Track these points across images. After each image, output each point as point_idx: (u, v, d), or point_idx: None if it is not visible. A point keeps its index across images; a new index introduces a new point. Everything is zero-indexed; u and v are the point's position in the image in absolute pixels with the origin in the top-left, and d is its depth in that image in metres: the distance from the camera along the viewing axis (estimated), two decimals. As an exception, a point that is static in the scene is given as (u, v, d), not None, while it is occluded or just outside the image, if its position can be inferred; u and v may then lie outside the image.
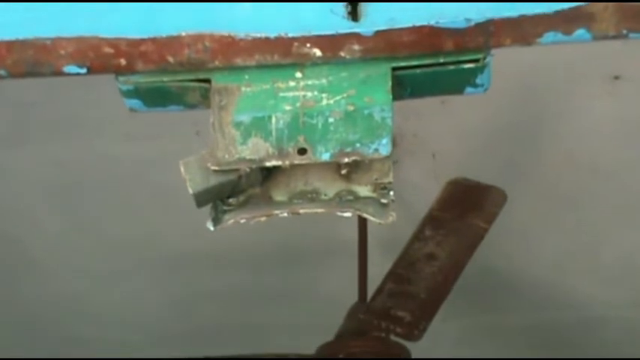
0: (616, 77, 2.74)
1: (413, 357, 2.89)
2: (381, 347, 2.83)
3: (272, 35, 1.38)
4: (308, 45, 1.39)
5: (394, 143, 2.91)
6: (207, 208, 1.54)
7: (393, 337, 2.84)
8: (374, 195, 1.47)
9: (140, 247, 3.44)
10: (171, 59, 1.40)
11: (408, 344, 2.87)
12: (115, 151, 3.00)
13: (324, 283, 3.57)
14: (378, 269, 2.76)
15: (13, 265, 3.55)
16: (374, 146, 1.40)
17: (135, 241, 3.41)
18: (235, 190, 1.48)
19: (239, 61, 1.41)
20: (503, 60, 2.50)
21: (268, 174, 1.49)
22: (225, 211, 1.50)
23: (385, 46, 1.39)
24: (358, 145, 1.40)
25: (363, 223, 3.01)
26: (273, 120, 1.42)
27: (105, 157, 3.03)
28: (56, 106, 2.83)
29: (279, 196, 1.50)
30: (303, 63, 1.42)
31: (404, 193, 3.10)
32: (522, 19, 1.35)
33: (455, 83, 1.49)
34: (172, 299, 3.73)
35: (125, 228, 3.35)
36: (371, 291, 2.81)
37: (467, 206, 2.53)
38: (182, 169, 1.47)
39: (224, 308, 3.75)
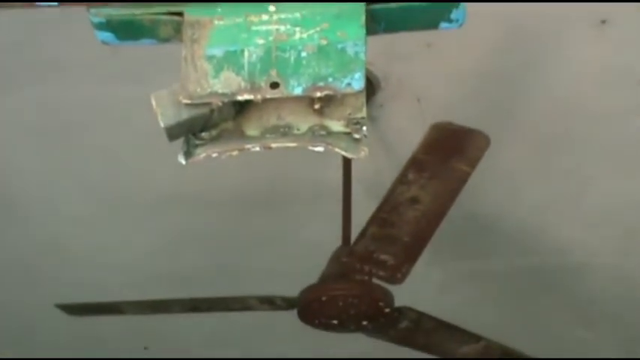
0: (603, 21, 2.73)
1: (396, 301, 2.91)
2: (364, 290, 2.85)
3: (244, -33, 1.37)
4: (281, -23, 1.38)
5: (379, 87, 2.92)
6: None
7: (375, 281, 2.85)
8: (347, 130, 1.47)
9: (125, 189, 3.45)
10: (143, -9, 1.39)
11: (390, 288, 2.89)
12: (99, 92, 2.98)
13: (308, 226, 3.59)
14: (363, 214, 2.76)
15: (-1, 209, 3.56)
16: (347, 81, 1.40)
17: (120, 183, 3.41)
18: (207, 124, 1.48)
19: (211, -7, 1.40)
20: (490, 5, 2.51)
21: (241, 108, 1.49)
22: (197, 145, 1.50)
23: (359, -21, 1.38)
24: (331, 79, 1.41)
25: (347, 166, 3.01)
26: (246, 54, 1.42)
27: (89, 99, 3.01)
28: (39, 47, 2.81)
29: (251, 130, 1.50)
30: (276, -4, 1.42)
31: (388, 138, 3.09)
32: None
33: (429, 18, 1.47)
34: (158, 242, 3.74)
35: (110, 171, 3.35)
36: (354, 235, 2.81)
37: (450, 150, 2.52)
38: (153, 102, 1.47)
39: (209, 251, 3.77)
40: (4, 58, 2.84)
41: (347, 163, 3.01)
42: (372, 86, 2.90)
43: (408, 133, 2.93)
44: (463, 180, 2.55)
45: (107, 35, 1.48)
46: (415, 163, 2.54)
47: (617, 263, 3.83)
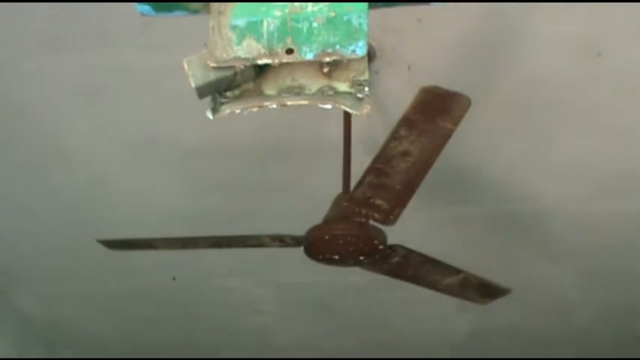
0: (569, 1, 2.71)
1: (388, 239, 2.92)
2: (361, 230, 2.86)
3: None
4: (296, -42, 1.37)
5: (375, 56, 2.90)
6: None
7: (371, 222, 2.86)
8: (351, 90, 1.47)
9: (157, 142, 3.44)
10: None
11: (384, 228, 2.89)
12: (135, 59, 2.97)
13: (313, 176, 3.58)
14: (360, 165, 2.76)
15: (50, 156, 3.55)
16: (352, 48, 1.40)
17: (153, 137, 3.41)
18: (231, 84, 1.48)
19: (236, -28, 1.39)
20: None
21: (260, 71, 1.49)
22: (222, 103, 1.50)
23: (363, -41, 1.37)
24: (338, 46, 1.40)
25: (347, 124, 3.00)
26: (265, 24, 1.41)
27: (127, 64, 3.00)
28: (86, 19, 2.79)
29: (269, 90, 1.50)
30: (292, -26, 1.41)
31: (383, 100, 3.08)
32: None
33: (423, -4, 1.47)
34: (185, 187, 3.74)
35: (145, 126, 3.34)
36: (353, 183, 2.81)
37: (437, 110, 2.50)
38: (185, 65, 1.47)
39: (228, 196, 3.77)
40: (57, 28, 2.83)
41: (347, 121, 3.00)
42: (369, 55, 2.88)
43: (399, 95, 2.92)
44: (447, 136, 2.54)
45: (145, 8, 1.47)
46: (406, 122, 2.52)
47: (577, 208, 3.84)
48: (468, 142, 3.30)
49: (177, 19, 2.50)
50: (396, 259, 3.05)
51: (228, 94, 1.49)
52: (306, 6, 1.41)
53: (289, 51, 1.41)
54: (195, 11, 1.49)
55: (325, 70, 1.46)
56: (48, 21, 2.80)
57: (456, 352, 5.45)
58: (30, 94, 3.16)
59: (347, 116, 2.98)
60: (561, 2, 2.68)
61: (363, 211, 2.82)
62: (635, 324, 4.98)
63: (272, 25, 1.41)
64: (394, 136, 2.57)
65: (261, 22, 1.41)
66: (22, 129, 3.36)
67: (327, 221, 2.93)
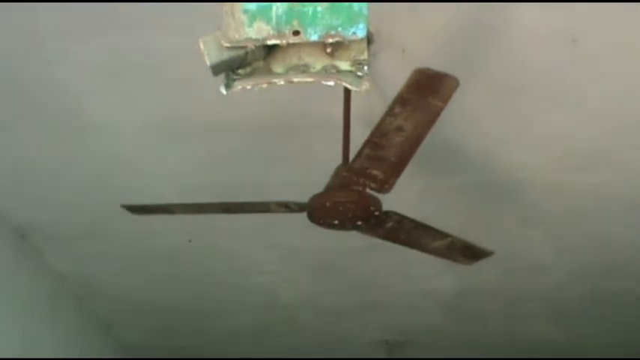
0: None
1: (383, 206, 2.92)
2: (359, 198, 2.86)
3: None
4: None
5: (372, 40, 2.88)
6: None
7: (368, 191, 2.86)
8: (352, 69, 1.47)
9: (174, 118, 3.43)
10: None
11: (380, 196, 2.89)
12: (155, 41, 2.94)
13: (316, 149, 3.58)
14: (358, 139, 2.75)
15: (77, 132, 3.54)
16: (353, 30, 1.40)
17: (170, 113, 3.40)
18: (243, 63, 1.48)
19: (248, -40, 1.38)
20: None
21: (269, 51, 1.49)
22: (235, 80, 1.50)
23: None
24: (340, 28, 1.40)
25: (347, 101, 2.99)
26: (274, 8, 1.41)
27: (147, 46, 2.98)
28: (109, 4, 2.77)
29: (277, 68, 1.50)
30: (298, -38, 1.40)
31: (379, 80, 3.07)
32: None
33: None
34: (199, 158, 3.73)
35: (162, 102, 3.32)
36: (352, 155, 2.81)
37: (428, 89, 2.49)
38: (201, 45, 1.46)
39: (239, 167, 3.77)
40: (81, 13, 2.81)
41: (347, 99, 2.99)
42: (367, 39, 2.86)
43: (394, 76, 2.90)
44: (437, 113, 2.53)
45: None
46: (400, 100, 2.51)
47: (553, 179, 3.84)
48: (456, 119, 3.28)
49: (193, 4, 2.48)
50: (390, 224, 3.06)
51: (240, 71, 1.49)
52: (311, -6, 1.41)
53: (296, 33, 1.41)
54: (211, -2, 1.48)
55: (328, 50, 1.46)
56: (72, 7, 2.77)
57: (444, 308, 5.48)
58: (57, 75, 3.14)
59: (347, 94, 2.97)
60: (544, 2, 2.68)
61: (361, 181, 2.82)
62: (602, 284, 5.02)
63: (280, 9, 1.41)
64: (389, 113, 2.57)
65: (271, 6, 1.41)
66: (50, 106, 3.35)
67: (328, 189, 2.93)
